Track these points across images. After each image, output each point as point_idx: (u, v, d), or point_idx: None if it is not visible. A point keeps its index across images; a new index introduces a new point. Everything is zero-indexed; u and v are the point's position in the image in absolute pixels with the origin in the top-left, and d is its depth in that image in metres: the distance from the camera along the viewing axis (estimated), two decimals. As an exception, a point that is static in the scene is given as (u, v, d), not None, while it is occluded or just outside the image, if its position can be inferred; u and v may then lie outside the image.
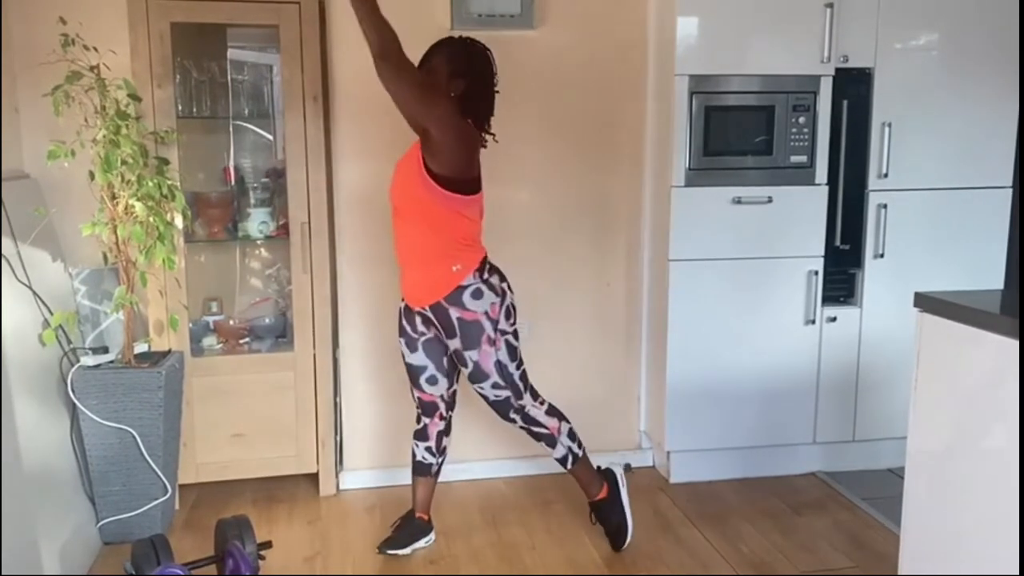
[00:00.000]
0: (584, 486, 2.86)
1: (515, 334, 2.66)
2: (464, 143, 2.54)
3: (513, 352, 2.65)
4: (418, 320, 2.68)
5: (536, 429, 2.76)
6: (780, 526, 2.98)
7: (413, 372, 2.75)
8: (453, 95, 2.55)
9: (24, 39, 2.87)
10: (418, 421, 2.82)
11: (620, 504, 2.84)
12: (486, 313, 2.57)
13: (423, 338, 2.69)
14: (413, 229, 2.58)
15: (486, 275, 2.59)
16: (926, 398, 2.05)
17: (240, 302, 3.36)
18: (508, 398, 2.68)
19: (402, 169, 2.61)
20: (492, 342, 2.59)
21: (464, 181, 2.55)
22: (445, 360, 2.72)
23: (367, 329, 3.27)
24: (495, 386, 2.65)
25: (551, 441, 2.78)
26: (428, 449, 2.81)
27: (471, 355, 2.60)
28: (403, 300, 2.72)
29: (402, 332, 2.74)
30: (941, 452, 2.02)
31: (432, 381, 2.73)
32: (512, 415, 2.73)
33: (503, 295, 2.62)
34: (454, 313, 2.56)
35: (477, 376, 2.64)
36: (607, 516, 2.84)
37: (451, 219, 2.54)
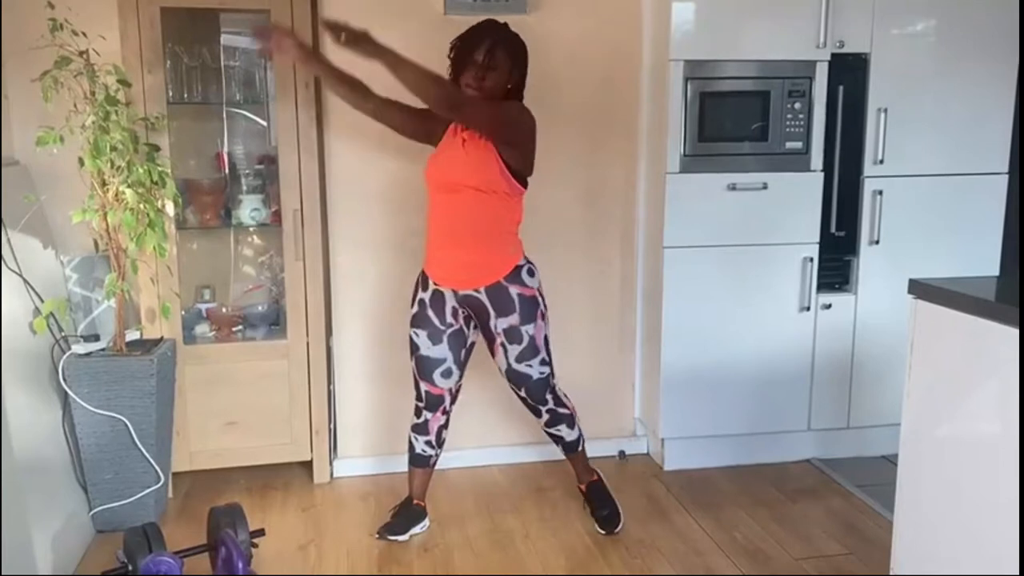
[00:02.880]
0: (580, 471, 2.91)
1: None
2: (534, 137, 2.63)
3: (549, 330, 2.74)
4: (448, 310, 2.66)
5: (561, 411, 2.80)
6: (774, 513, 2.99)
7: (429, 365, 2.70)
8: (509, 87, 2.61)
9: (12, 24, 2.84)
10: (418, 415, 2.79)
11: (609, 490, 2.91)
12: (538, 289, 2.67)
13: (450, 329, 2.67)
14: (476, 212, 2.58)
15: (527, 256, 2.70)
16: (920, 385, 2.05)
17: (233, 290, 3.35)
18: (548, 376, 2.73)
19: (468, 154, 2.57)
20: (544, 317, 2.69)
21: (528, 174, 2.65)
22: (463, 353, 2.73)
23: (361, 316, 3.26)
24: (543, 362, 2.70)
25: (571, 422, 2.83)
26: (428, 443, 2.80)
27: (528, 329, 2.63)
28: (429, 289, 2.66)
29: (424, 323, 2.67)
30: (934, 439, 2.02)
31: (447, 374, 2.71)
32: (547, 395, 2.75)
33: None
34: (514, 290, 2.61)
35: (528, 352, 2.65)
36: (603, 499, 2.87)
37: (517, 206, 2.66)
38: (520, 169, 2.60)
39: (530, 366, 2.68)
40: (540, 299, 2.68)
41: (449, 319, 2.67)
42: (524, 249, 2.70)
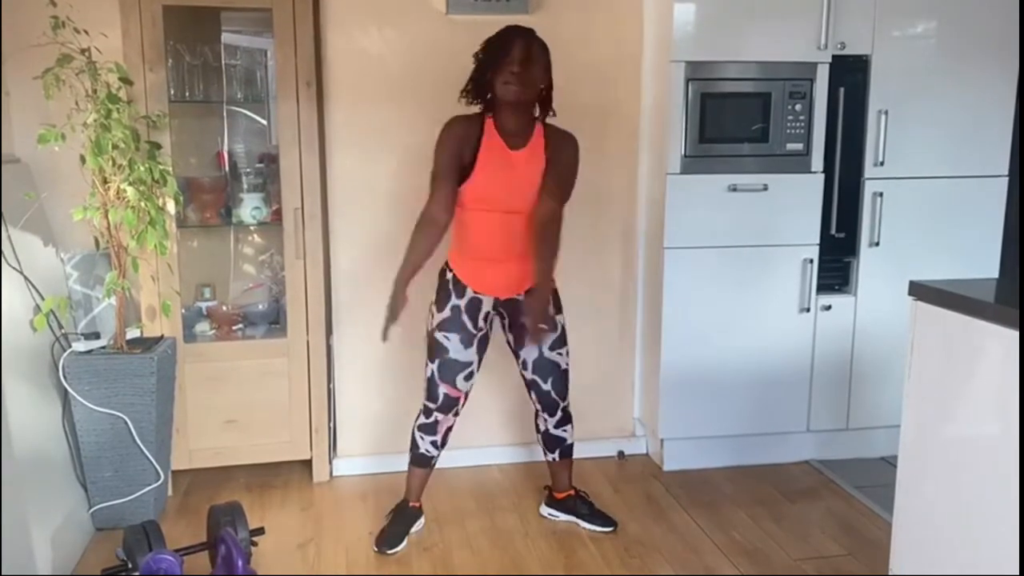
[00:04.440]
0: (568, 477, 2.94)
1: None
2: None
3: None
4: (482, 316, 2.69)
5: (570, 411, 2.85)
6: (773, 514, 2.99)
7: (456, 368, 2.69)
8: (543, 88, 2.62)
9: (14, 21, 2.84)
10: (427, 415, 2.76)
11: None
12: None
13: (480, 334, 2.70)
14: (525, 230, 2.61)
15: None
16: (920, 387, 2.05)
17: (233, 288, 3.35)
18: (568, 370, 2.79)
19: (530, 178, 2.60)
20: (562, 311, 2.78)
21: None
22: (483, 356, 2.76)
23: (361, 315, 3.26)
24: (568, 354, 2.78)
25: (572, 425, 2.87)
26: (434, 443, 2.79)
27: (560, 319, 2.75)
28: (465, 297, 2.66)
29: (458, 328, 2.67)
30: (934, 440, 2.02)
31: (469, 377, 2.72)
32: (567, 389, 2.81)
33: None
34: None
35: (559, 341, 2.75)
36: (585, 505, 2.91)
37: None
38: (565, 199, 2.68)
39: (560, 355, 2.75)
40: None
41: (481, 324, 2.70)
42: None
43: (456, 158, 2.55)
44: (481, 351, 2.73)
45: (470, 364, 2.70)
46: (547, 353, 2.73)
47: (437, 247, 2.61)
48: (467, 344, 2.68)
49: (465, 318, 2.68)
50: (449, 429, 2.80)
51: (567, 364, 2.78)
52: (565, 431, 2.85)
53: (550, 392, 2.77)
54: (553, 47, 3.19)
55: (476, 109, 2.62)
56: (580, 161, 2.71)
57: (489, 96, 2.58)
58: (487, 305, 2.69)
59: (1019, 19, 3.18)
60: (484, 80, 2.55)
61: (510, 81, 2.50)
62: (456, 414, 2.77)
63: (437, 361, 2.69)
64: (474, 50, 2.59)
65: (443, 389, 2.71)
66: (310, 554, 2.74)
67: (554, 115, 2.68)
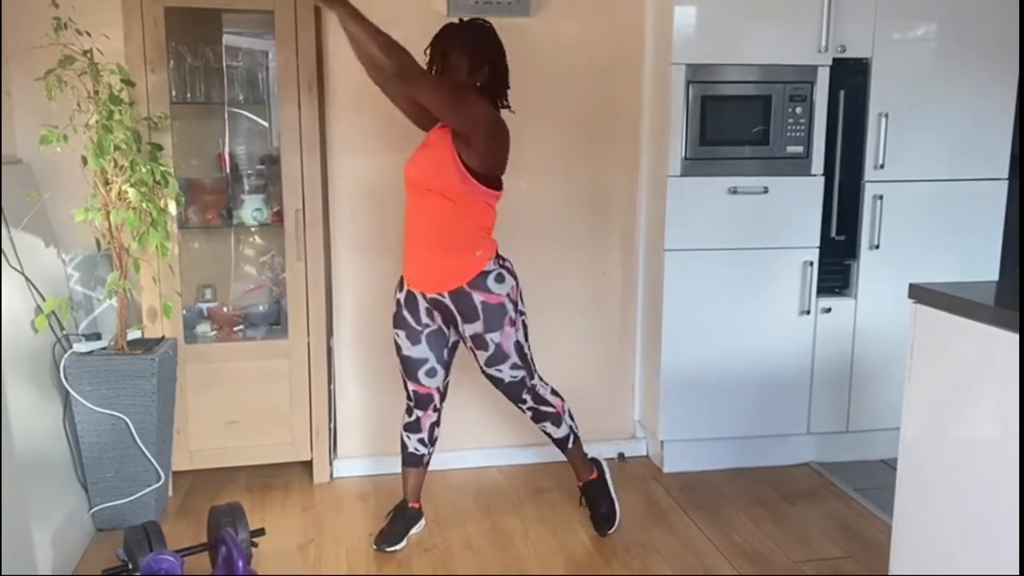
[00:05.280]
0: (577, 468, 2.89)
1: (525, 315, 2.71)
2: (502, 143, 2.56)
3: (527, 332, 2.69)
4: (423, 311, 2.65)
5: (544, 408, 2.76)
6: (773, 516, 2.99)
7: (412, 365, 2.71)
8: (479, 84, 2.55)
9: (16, 22, 2.84)
10: (409, 414, 2.79)
11: (609, 489, 2.88)
12: (508, 295, 2.61)
13: (427, 330, 2.67)
14: (439, 215, 2.54)
15: (502, 260, 2.64)
16: (920, 389, 2.05)
17: (234, 289, 3.35)
18: (523, 378, 2.70)
19: (431, 155, 2.54)
20: (513, 323, 2.63)
21: (498, 177, 2.59)
22: (445, 352, 2.72)
23: (361, 317, 3.26)
24: (513, 367, 2.66)
25: (556, 420, 2.79)
26: (420, 440, 2.80)
27: (493, 337, 2.60)
28: (404, 290, 2.67)
29: (402, 324, 2.68)
30: (934, 443, 2.02)
31: (431, 373, 2.71)
32: (524, 395, 2.72)
33: (516, 278, 2.66)
34: (478, 297, 2.57)
35: (497, 358, 2.63)
36: (598, 499, 2.87)
37: (483, 209, 2.58)
38: (480, 170, 2.51)
39: (500, 371, 2.67)
40: (508, 305, 2.60)
41: (424, 319, 2.66)
42: (500, 251, 2.66)
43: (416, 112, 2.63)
44: (438, 347, 2.69)
45: (426, 360, 2.68)
46: (486, 369, 2.67)
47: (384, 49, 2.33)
48: (414, 340, 2.66)
49: (406, 313, 2.66)
50: (434, 425, 2.79)
51: (514, 376, 2.67)
52: (544, 427, 2.81)
53: (507, 399, 2.76)
54: (554, 49, 3.21)
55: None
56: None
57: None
58: (423, 301, 2.64)
59: (1019, 22, 3.18)
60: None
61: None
62: (436, 410, 2.77)
63: (399, 358, 2.73)
64: (495, 47, 2.60)
65: (411, 386, 2.73)
66: (310, 555, 2.74)
67: (508, 108, 2.66)
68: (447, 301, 2.59)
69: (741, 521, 2.95)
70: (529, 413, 2.79)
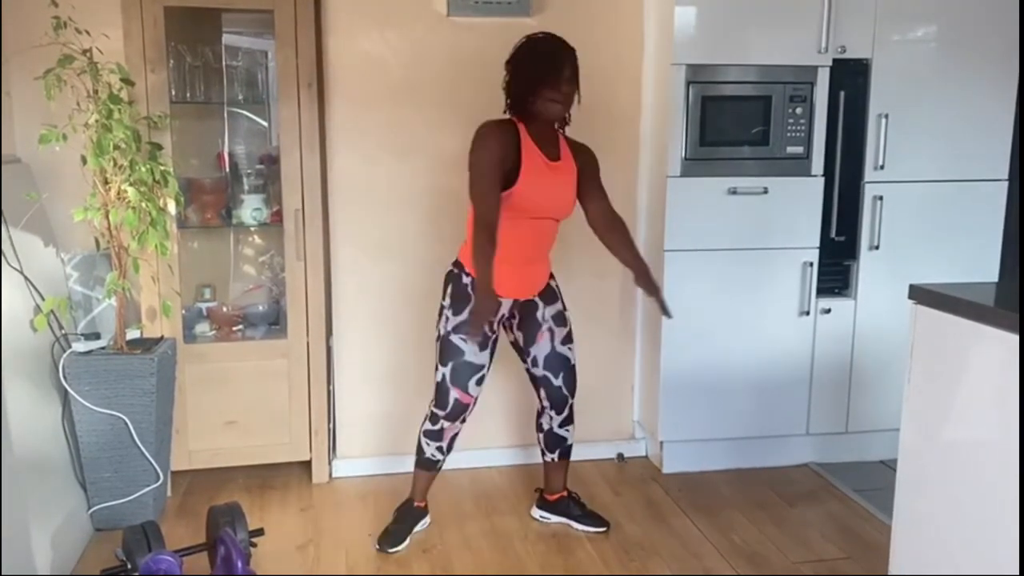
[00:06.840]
0: (563, 479, 2.94)
1: None
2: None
3: None
4: (497, 319, 2.70)
5: (573, 411, 2.86)
6: (772, 517, 2.99)
7: (470, 371, 2.65)
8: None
9: (16, 21, 2.84)
10: (433, 422, 2.73)
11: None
12: None
13: (494, 337, 2.71)
14: (551, 234, 2.70)
15: None
16: (919, 391, 2.05)
17: (233, 289, 3.35)
18: (576, 364, 2.83)
19: (568, 187, 2.66)
20: None
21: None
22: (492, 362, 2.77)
23: (361, 317, 3.26)
24: (574, 349, 2.82)
25: (573, 423, 2.88)
26: (439, 448, 2.78)
27: (568, 314, 2.81)
28: (499, 299, 2.59)
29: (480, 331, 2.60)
30: (934, 444, 2.02)
31: (480, 381, 2.69)
32: (576, 384, 2.84)
33: None
34: (553, 283, 2.80)
35: (569, 336, 2.80)
36: (577, 506, 2.91)
37: None
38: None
39: (571, 350, 2.80)
40: None
41: (496, 327, 2.71)
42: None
43: (501, 164, 2.50)
44: (492, 354, 2.72)
45: (483, 367, 2.69)
46: (559, 348, 2.75)
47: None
48: (484, 347, 2.67)
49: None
50: (455, 436, 2.78)
51: (575, 359, 2.81)
52: (567, 431, 2.85)
53: (561, 388, 2.78)
54: (554, 49, 3.20)
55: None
56: None
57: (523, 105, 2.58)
58: (505, 307, 2.70)
59: (1019, 23, 3.18)
60: (528, 92, 2.54)
61: (557, 100, 2.54)
62: (463, 421, 2.75)
63: (451, 364, 2.65)
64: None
65: (454, 394, 2.66)
66: (309, 555, 2.74)
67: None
68: (537, 299, 2.74)
69: (740, 522, 2.95)
70: (566, 412, 2.84)
